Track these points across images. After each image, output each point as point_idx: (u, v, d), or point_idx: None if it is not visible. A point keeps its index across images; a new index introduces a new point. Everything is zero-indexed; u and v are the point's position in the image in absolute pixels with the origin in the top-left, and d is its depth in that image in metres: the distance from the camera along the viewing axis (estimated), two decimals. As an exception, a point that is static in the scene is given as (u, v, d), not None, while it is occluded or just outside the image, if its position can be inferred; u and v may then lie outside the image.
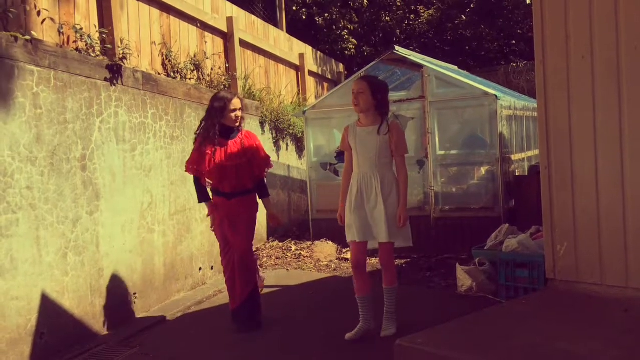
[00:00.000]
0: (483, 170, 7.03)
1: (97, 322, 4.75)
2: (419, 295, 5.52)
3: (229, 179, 4.60)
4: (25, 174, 4.10)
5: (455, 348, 3.46)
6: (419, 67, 7.20)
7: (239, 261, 4.63)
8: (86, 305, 4.64)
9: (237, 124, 4.67)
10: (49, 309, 4.25)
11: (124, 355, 4.33)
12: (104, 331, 4.79)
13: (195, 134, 4.79)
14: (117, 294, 5.01)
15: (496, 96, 6.73)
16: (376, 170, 4.27)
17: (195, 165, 4.64)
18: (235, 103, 4.62)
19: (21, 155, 4.07)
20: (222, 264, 4.81)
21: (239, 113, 4.63)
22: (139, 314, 5.26)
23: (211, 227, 4.84)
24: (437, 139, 7.05)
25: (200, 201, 4.80)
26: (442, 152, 7.06)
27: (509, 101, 7.26)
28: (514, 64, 12.62)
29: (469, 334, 3.70)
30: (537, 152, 7.14)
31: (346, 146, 4.44)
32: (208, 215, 4.79)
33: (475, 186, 7.05)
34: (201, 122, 4.74)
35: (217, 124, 4.57)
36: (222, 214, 4.66)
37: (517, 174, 7.29)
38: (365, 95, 4.25)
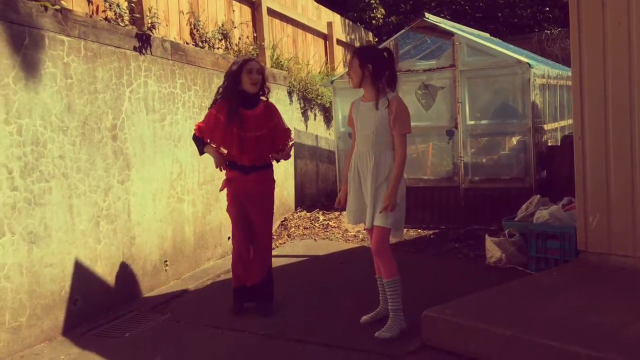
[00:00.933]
0: (514, 140, 6.92)
1: (129, 289, 4.84)
2: (447, 266, 5.50)
3: (249, 151, 4.26)
4: (57, 144, 4.15)
5: (484, 319, 3.45)
6: (450, 34, 7.07)
7: (261, 241, 4.42)
8: (118, 272, 4.72)
9: (255, 90, 4.29)
10: (82, 276, 4.35)
11: (156, 322, 4.41)
12: (135, 298, 4.89)
13: (214, 99, 4.43)
14: (149, 261, 5.09)
15: (529, 64, 6.58)
16: (372, 149, 3.82)
17: (209, 131, 4.30)
18: (253, 65, 4.26)
19: (53, 125, 4.12)
20: (233, 242, 4.46)
21: (256, 76, 4.24)
22: (170, 281, 5.35)
23: (220, 165, 4.36)
24: (467, 109, 6.94)
25: (202, 153, 4.42)
26: (472, 122, 6.96)
27: (542, 69, 7.10)
28: (548, 31, 12.30)
29: (498, 305, 3.69)
30: (570, 121, 7.00)
31: (350, 122, 4.06)
32: (218, 167, 4.36)
33: (506, 156, 6.95)
34: (219, 89, 4.39)
35: (235, 89, 4.24)
36: (238, 190, 4.33)
37: (549, 144, 7.16)
38: (354, 67, 3.81)
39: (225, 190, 4.43)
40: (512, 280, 4.37)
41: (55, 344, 4.04)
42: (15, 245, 3.81)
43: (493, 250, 5.31)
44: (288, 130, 4.54)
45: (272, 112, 4.42)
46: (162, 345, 3.98)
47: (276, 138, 4.43)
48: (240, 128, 4.21)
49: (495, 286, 4.16)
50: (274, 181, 4.53)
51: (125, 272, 4.80)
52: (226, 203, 4.44)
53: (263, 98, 4.44)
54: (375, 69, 3.77)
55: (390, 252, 3.87)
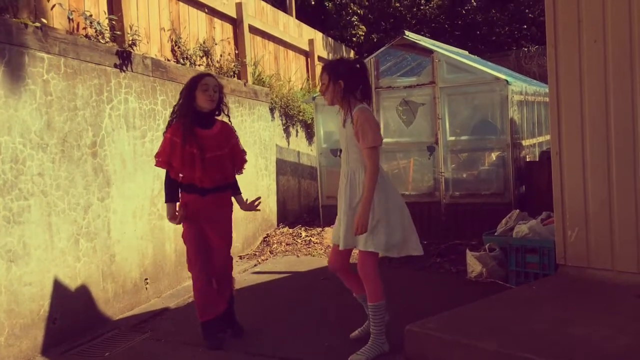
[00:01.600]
0: (493, 155, 7.00)
1: (109, 308, 4.79)
2: (429, 281, 5.52)
3: (211, 172, 4.00)
4: (36, 161, 4.12)
5: (466, 333, 3.46)
6: (430, 52, 7.15)
7: (222, 266, 4.17)
8: (98, 290, 4.67)
9: (212, 107, 4.04)
10: (61, 294, 4.29)
11: (136, 341, 4.36)
12: (115, 316, 4.83)
13: (169, 120, 4.16)
14: (129, 279, 5.04)
15: (507, 81, 6.68)
16: (347, 166, 3.68)
17: (166, 157, 4.00)
18: (208, 81, 3.99)
19: (32, 142, 4.09)
20: (194, 270, 4.12)
21: (212, 93, 3.98)
22: (151, 299, 5.30)
23: (173, 220, 4.09)
24: (447, 125, 7.01)
25: (168, 200, 4.07)
26: (453, 138, 7.03)
27: (520, 86, 7.21)
28: (525, 49, 12.51)
29: (480, 320, 3.70)
30: (548, 137, 7.10)
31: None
32: (170, 218, 4.08)
33: (485, 172, 7.02)
34: (174, 108, 4.11)
35: (190, 107, 3.97)
36: (197, 213, 4.03)
37: (528, 160, 7.25)
38: (325, 85, 3.63)
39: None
40: (493, 295, 4.39)
41: (33, 364, 3.98)
42: (-7, 264, 3.75)
43: (474, 264, 5.34)
44: (244, 153, 4.33)
45: (229, 131, 4.21)
46: (143, 364, 3.94)
47: (236, 158, 4.24)
48: (200, 149, 3.95)
49: (477, 300, 4.18)
50: (232, 202, 4.28)
51: (105, 291, 4.75)
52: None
53: (221, 118, 4.21)
54: (347, 84, 3.59)
55: (376, 275, 3.66)
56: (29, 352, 4.02)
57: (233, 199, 4.29)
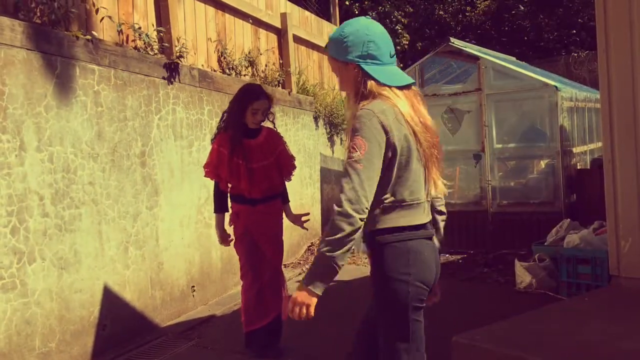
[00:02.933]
0: (543, 163, 6.85)
1: (157, 315, 4.86)
2: (477, 292, 5.43)
3: (259, 182, 4.00)
4: (87, 170, 4.22)
5: (514, 346, 3.38)
6: (475, 58, 7.07)
7: (273, 275, 4.13)
8: (146, 298, 4.75)
9: (257, 126, 4.10)
10: (110, 301, 4.38)
11: (183, 348, 4.41)
12: (163, 323, 4.90)
13: (216, 129, 4.25)
14: (176, 286, 5.11)
15: (556, 87, 6.54)
16: None
17: (213, 168, 4.07)
18: (259, 106, 4.01)
19: (83, 152, 4.19)
20: (245, 280, 4.12)
21: (261, 117, 4.05)
22: (197, 306, 5.36)
23: (224, 242, 4.20)
24: (494, 132, 6.91)
25: (216, 211, 4.16)
26: (500, 146, 6.92)
27: (570, 92, 7.05)
28: (575, 54, 12.25)
29: (529, 332, 3.61)
30: (600, 144, 6.91)
31: None
32: (220, 233, 4.16)
33: (534, 180, 6.88)
34: (222, 115, 4.16)
35: (238, 121, 4.02)
36: (250, 223, 4.06)
37: (578, 168, 7.07)
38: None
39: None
40: (543, 306, 4.28)
41: (83, 370, 4.07)
42: (45, 271, 3.86)
43: (523, 275, 5.23)
44: (293, 157, 4.32)
45: (276, 138, 4.21)
46: (190, 371, 3.98)
47: (283, 165, 4.22)
48: (245, 159, 3.98)
49: (526, 312, 4.08)
50: (282, 211, 4.29)
51: (153, 298, 4.83)
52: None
53: (267, 124, 4.21)
54: None
55: None
56: (79, 358, 4.11)
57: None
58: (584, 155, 7.48)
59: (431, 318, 3.77)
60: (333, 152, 8.55)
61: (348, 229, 1.99)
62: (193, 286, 5.32)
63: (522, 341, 3.45)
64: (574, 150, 7.02)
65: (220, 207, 4.16)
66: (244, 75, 6.79)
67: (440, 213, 2.44)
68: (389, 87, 2.15)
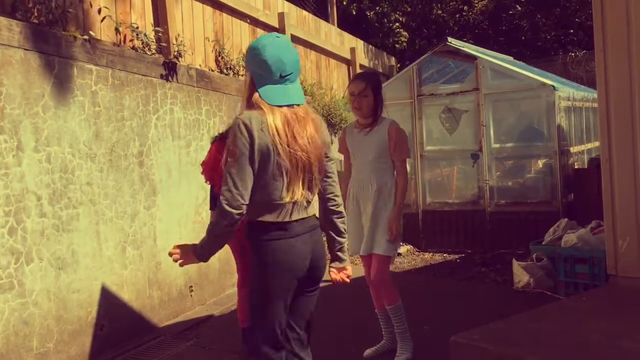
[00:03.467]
0: (540, 163, 6.86)
1: (155, 315, 4.86)
2: (474, 291, 5.43)
3: None
4: (85, 170, 4.22)
5: (512, 345, 3.38)
6: (473, 58, 7.07)
7: None
8: (144, 298, 4.75)
9: None
10: (108, 301, 4.37)
11: (182, 348, 4.41)
12: (161, 323, 4.90)
13: (218, 132, 4.09)
14: (174, 286, 5.11)
15: (554, 87, 6.55)
16: (374, 175, 3.79)
17: (209, 171, 3.76)
18: None
19: (81, 152, 4.19)
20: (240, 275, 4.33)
21: None
22: (195, 306, 5.35)
23: None
24: (491, 132, 6.92)
25: (212, 208, 3.84)
26: (497, 145, 6.93)
27: (567, 92, 7.06)
28: (572, 54, 12.25)
29: (527, 331, 3.62)
30: (597, 144, 6.92)
31: (343, 149, 4.02)
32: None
33: (532, 180, 6.89)
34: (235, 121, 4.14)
35: None
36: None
37: (576, 167, 7.09)
38: (368, 98, 3.76)
39: None
40: (541, 305, 4.29)
41: (81, 370, 4.06)
42: (43, 271, 3.85)
43: (521, 274, 5.23)
44: None
45: None
46: (188, 371, 3.98)
47: None
48: None
49: (524, 311, 4.08)
50: None
51: (151, 298, 4.82)
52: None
53: None
54: (382, 96, 3.87)
55: (390, 278, 3.86)
56: (77, 358, 4.10)
57: None
58: (582, 154, 7.49)
59: (429, 317, 3.78)
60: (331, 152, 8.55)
61: (224, 222, 2.43)
62: (191, 286, 5.32)
63: (520, 340, 3.45)
64: (572, 149, 7.03)
65: (215, 205, 4.09)
66: (242, 75, 6.79)
67: (334, 213, 2.72)
68: (268, 103, 2.44)
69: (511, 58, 9.61)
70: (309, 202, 2.56)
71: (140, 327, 4.68)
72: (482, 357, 3.42)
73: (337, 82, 9.80)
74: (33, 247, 3.78)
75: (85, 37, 4.27)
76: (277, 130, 2.40)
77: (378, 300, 3.94)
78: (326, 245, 2.75)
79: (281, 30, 7.77)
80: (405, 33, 13.13)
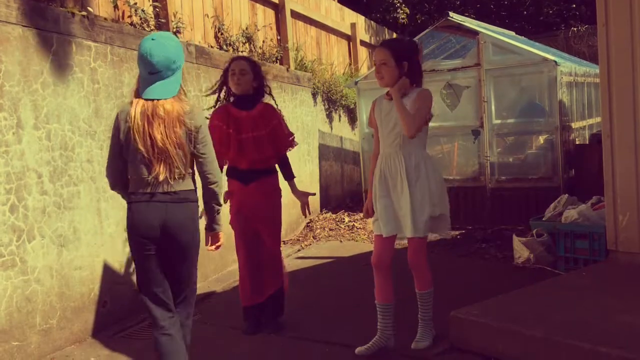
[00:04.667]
0: (541, 139, 6.84)
1: (156, 291, 4.87)
2: (474, 267, 5.46)
3: (247, 153, 3.98)
4: (85, 148, 4.21)
5: (512, 320, 3.41)
6: (475, 33, 7.01)
7: (268, 258, 4.14)
8: (146, 274, 4.76)
9: (241, 91, 4.02)
10: (110, 278, 4.40)
11: (183, 324, 4.43)
12: (163, 300, 4.92)
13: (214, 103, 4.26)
14: (175, 264, 5.12)
15: (555, 62, 6.50)
16: (401, 149, 3.49)
17: None
18: (235, 66, 4.01)
19: (81, 130, 4.18)
20: (239, 257, 4.20)
21: (239, 77, 3.99)
22: (198, 282, 5.37)
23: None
24: (492, 108, 6.88)
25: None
26: (498, 121, 6.90)
27: (569, 67, 7.01)
28: (575, 29, 12.15)
29: (527, 306, 3.64)
30: (599, 119, 6.90)
31: (373, 123, 3.71)
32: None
33: (533, 155, 6.87)
34: (215, 89, 4.21)
35: (226, 90, 4.11)
36: (241, 203, 4.07)
37: (577, 143, 7.07)
38: (388, 66, 3.45)
39: (228, 202, 4.16)
40: (541, 281, 4.31)
41: (84, 346, 4.10)
42: (45, 249, 3.87)
43: (521, 250, 5.25)
44: (290, 135, 4.24)
45: (271, 113, 4.13)
46: (191, 347, 4.00)
47: (277, 141, 4.13)
48: (236, 129, 3.99)
49: (524, 287, 4.11)
50: (279, 190, 4.21)
51: (152, 275, 4.84)
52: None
53: (267, 100, 4.18)
54: (412, 64, 3.49)
55: (428, 262, 3.65)
56: (80, 334, 4.14)
57: (284, 185, 4.24)
58: (583, 130, 7.46)
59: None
60: (332, 129, 8.53)
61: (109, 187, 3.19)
62: (192, 263, 5.33)
63: (520, 316, 3.48)
64: (573, 125, 7.01)
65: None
66: (242, 51, 6.74)
67: (205, 185, 3.11)
68: (139, 95, 2.93)
69: (513, 33, 9.54)
70: (173, 179, 2.94)
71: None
72: (482, 333, 3.45)
73: (337, 59, 9.73)
74: (35, 224, 3.79)
75: (84, 13, 4.24)
76: (134, 120, 2.87)
77: (385, 289, 3.63)
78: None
79: (281, 6, 7.71)
80: (405, 8, 13.01)
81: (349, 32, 10.15)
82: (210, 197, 3.12)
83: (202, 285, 5.36)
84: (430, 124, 3.70)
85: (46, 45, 3.92)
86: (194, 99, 5.41)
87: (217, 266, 5.72)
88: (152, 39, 2.94)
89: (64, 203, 4.02)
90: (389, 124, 3.54)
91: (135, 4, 5.03)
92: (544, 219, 5.50)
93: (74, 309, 4.09)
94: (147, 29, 5.06)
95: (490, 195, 6.91)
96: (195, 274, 3.27)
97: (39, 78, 3.85)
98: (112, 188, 3.16)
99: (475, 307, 3.64)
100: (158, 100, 2.90)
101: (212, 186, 3.07)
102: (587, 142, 7.17)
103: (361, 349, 3.63)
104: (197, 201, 3.09)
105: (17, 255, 3.67)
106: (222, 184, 3.17)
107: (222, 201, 3.21)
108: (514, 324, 3.34)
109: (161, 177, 2.90)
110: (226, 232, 5.78)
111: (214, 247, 3.38)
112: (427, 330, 3.68)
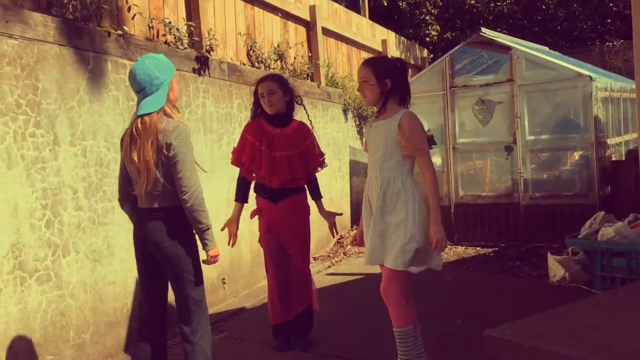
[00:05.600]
0: (576, 155, 6.73)
1: (188, 307, 4.90)
2: (508, 285, 5.37)
3: (279, 172, 3.94)
4: (119, 164, 4.27)
5: (546, 340, 3.34)
6: (507, 49, 6.96)
7: (297, 276, 4.12)
8: (177, 290, 4.79)
9: (275, 111, 3.98)
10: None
11: (214, 339, 4.43)
12: (194, 315, 4.94)
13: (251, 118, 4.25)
14: (207, 279, 5.13)
15: (590, 77, 6.41)
16: (380, 174, 3.28)
17: (237, 154, 4.06)
18: (262, 89, 3.98)
19: (116, 146, 4.24)
20: (268, 275, 4.19)
21: (268, 98, 3.95)
22: (228, 298, 5.40)
23: (230, 232, 4.17)
24: (526, 124, 6.81)
25: (236, 199, 4.12)
26: (532, 137, 6.82)
27: (604, 82, 6.90)
28: (610, 43, 11.97)
29: (562, 326, 3.56)
30: (635, 135, 6.77)
31: (365, 145, 3.53)
32: (232, 220, 4.14)
33: (567, 172, 6.76)
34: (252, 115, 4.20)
35: (259, 109, 4.06)
36: (271, 221, 4.05)
37: (613, 159, 6.93)
38: (369, 83, 3.26)
39: (257, 219, 4.19)
40: (576, 300, 4.22)
41: (117, 360, 4.13)
42: (79, 264, 3.93)
43: (556, 268, 5.15)
44: (321, 155, 4.20)
45: (305, 132, 4.12)
46: (220, 362, 4.02)
47: (309, 161, 4.10)
48: (269, 147, 3.95)
49: (559, 306, 4.02)
50: (308, 207, 4.15)
51: (184, 290, 4.86)
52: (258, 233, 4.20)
53: (300, 118, 4.14)
54: (393, 83, 3.27)
55: (400, 296, 3.28)
56: (112, 349, 4.17)
57: (313, 203, 4.22)
58: (619, 146, 7.33)
59: (462, 311, 3.74)
60: (362, 145, 8.52)
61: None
62: (223, 278, 5.36)
63: (555, 336, 3.40)
64: (609, 141, 6.88)
65: (240, 196, 4.12)
66: (273, 68, 6.80)
67: (184, 205, 3.08)
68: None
69: (546, 48, 9.44)
70: (155, 195, 3.05)
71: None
72: (516, 352, 3.38)
73: (368, 75, 9.74)
74: (69, 239, 3.86)
75: (119, 32, 4.32)
76: (122, 141, 3.11)
77: (399, 314, 3.31)
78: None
79: (312, 23, 7.76)
80: (437, 25, 12.99)
81: (380, 49, 10.17)
82: (189, 217, 3.10)
83: (233, 301, 5.38)
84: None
85: (82, 63, 4.00)
86: (226, 115, 5.47)
87: (248, 282, 5.73)
88: (137, 60, 3.07)
89: (98, 219, 4.08)
90: (372, 147, 3.37)
91: (170, 22, 5.12)
92: (579, 236, 5.39)
93: (107, 323, 4.14)
94: (180, 47, 5.14)
95: (523, 212, 6.81)
96: (190, 287, 3.33)
97: (75, 96, 3.93)
98: (121, 207, 3.32)
99: (509, 326, 3.57)
100: (144, 116, 3.00)
101: (187, 205, 3.04)
102: (624, 159, 7.03)
103: None
104: (177, 216, 3.10)
105: (52, 270, 3.73)
106: (202, 204, 3.14)
107: (203, 220, 3.16)
108: (550, 345, 3.27)
109: (141, 193, 3.04)
110: (256, 249, 5.80)
111: (210, 261, 3.40)
112: None
